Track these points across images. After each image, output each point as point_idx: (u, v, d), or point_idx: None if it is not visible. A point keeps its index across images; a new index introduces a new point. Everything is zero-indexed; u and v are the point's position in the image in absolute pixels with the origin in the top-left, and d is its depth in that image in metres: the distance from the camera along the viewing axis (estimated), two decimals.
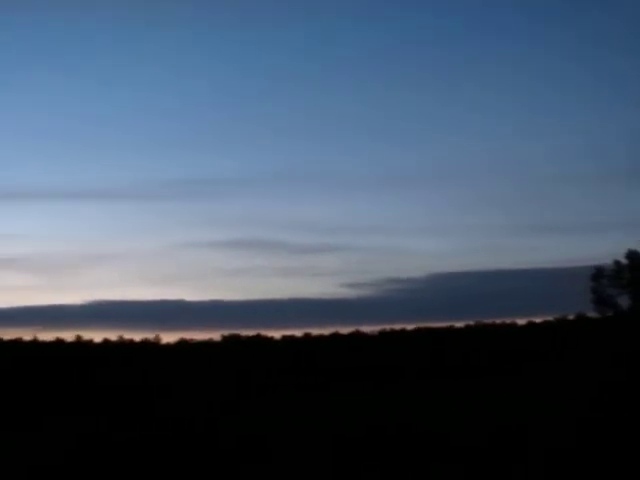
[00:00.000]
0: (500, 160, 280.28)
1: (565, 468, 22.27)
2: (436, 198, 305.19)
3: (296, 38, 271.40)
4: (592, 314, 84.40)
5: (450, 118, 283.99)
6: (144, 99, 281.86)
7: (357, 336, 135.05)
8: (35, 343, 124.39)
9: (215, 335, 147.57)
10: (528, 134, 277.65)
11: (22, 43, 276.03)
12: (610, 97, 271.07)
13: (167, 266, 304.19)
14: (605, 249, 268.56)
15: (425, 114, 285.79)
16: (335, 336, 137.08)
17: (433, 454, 25.42)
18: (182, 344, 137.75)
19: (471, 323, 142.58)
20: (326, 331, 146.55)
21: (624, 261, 75.85)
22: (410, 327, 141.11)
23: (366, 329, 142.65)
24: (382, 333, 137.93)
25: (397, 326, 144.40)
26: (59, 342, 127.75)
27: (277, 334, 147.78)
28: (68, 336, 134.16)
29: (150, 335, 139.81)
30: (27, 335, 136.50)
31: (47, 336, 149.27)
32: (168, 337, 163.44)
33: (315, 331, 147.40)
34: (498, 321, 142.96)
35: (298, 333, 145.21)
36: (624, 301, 76.00)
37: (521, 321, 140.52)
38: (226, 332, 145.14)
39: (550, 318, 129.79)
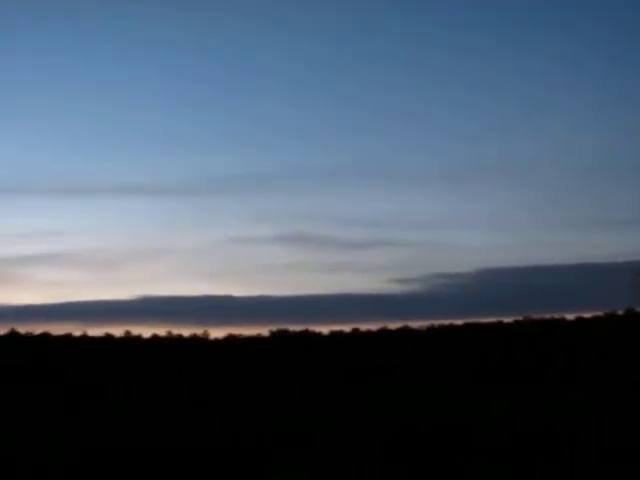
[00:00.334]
0: (551, 156, 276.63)
1: (614, 467, 21.95)
2: (484, 194, 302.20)
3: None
4: None
5: (502, 115, 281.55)
6: (196, 97, 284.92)
7: (405, 331, 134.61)
8: (85, 338, 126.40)
9: (263, 330, 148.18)
10: (580, 130, 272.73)
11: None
12: None
13: (215, 262, 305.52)
14: None
15: (480, 111, 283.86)
16: (383, 331, 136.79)
17: (480, 451, 25.29)
18: (230, 339, 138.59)
19: (520, 318, 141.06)
20: (374, 326, 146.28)
21: None
22: (458, 322, 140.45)
23: (414, 324, 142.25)
24: (430, 329, 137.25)
25: (445, 321, 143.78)
26: (108, 337, 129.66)
27: (325, 329, 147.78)
28: (117, 331, 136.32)
29: (198, 330, 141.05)
30: (77, 330, 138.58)
31: (96, 331, 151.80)
32: (216, 332, 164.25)
33: (363, 326, 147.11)
34: (547, 316, 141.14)
35: (346, 328, 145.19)
36: None
37: (570, 316, 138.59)
38: (274, 327, 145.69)
39: (600, 313, 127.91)
